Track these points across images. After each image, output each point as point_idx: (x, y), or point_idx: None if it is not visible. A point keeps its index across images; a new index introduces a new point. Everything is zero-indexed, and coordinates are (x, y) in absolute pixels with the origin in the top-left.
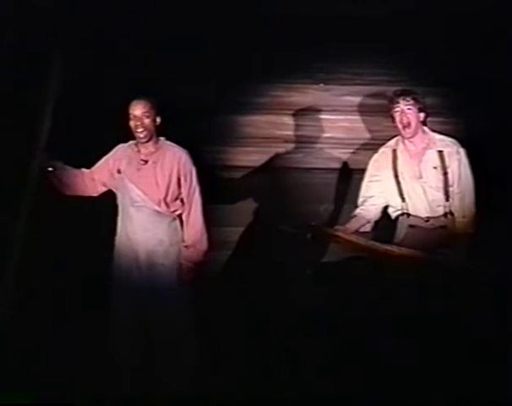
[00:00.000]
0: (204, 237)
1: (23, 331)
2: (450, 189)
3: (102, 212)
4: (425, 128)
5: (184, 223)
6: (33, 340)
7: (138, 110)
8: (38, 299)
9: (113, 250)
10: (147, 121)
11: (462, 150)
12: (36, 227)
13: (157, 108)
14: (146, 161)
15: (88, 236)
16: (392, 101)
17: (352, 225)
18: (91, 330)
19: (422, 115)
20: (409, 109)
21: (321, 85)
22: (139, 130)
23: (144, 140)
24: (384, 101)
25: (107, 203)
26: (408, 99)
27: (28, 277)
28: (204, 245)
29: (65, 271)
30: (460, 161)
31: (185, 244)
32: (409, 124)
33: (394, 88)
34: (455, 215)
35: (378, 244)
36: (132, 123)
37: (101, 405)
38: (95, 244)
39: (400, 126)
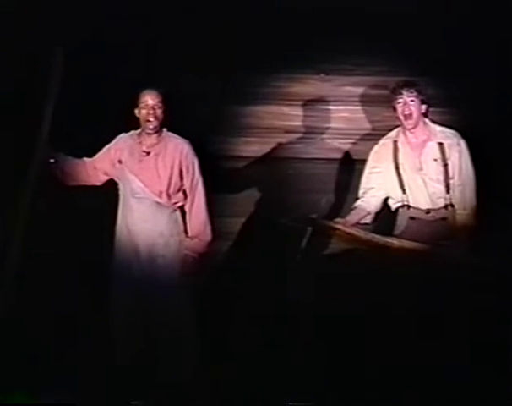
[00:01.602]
0: (208, 228)
1: (22, 329)
2: (451, 181)
3: (104, 203)
4: (426, 120)
5: (187, 215)
6: (33, 339)
7: (151, 99)
8: (37, 296)
9: (113, 241)
10: (159, 111)
11: (463, 142)
12: (37, 220)
13: (167, 101)
14: (148, 153)
15: (89, 228)
16: (395, 91)
17: (353, 217)
18: (91, 327)
19: (424, 107)
20: (412, 101)
21: (322, 75)
22: (151, 119)
23: (153, 131)
24: (385, 92)
25: (108, 194)
26: (412, 90)
27: (28, 273)
28: (207, 236)
29: (64, 265)
30: (460, 153)
31: (189, 235)
32: (411, 116)
33: (395, 78)
34: (456, 207)
35: (378, 236)
36: (143, 112)
37: (102, 405)
38: (96, 236)
39: (401, 117)
